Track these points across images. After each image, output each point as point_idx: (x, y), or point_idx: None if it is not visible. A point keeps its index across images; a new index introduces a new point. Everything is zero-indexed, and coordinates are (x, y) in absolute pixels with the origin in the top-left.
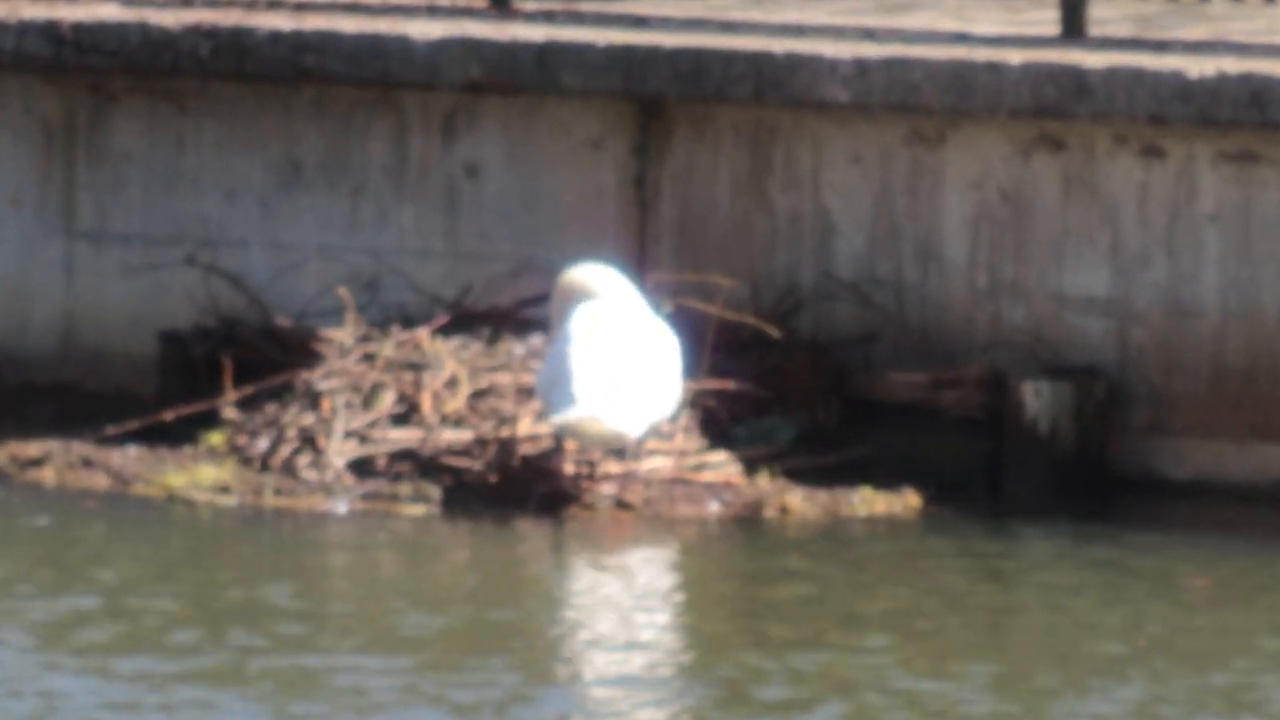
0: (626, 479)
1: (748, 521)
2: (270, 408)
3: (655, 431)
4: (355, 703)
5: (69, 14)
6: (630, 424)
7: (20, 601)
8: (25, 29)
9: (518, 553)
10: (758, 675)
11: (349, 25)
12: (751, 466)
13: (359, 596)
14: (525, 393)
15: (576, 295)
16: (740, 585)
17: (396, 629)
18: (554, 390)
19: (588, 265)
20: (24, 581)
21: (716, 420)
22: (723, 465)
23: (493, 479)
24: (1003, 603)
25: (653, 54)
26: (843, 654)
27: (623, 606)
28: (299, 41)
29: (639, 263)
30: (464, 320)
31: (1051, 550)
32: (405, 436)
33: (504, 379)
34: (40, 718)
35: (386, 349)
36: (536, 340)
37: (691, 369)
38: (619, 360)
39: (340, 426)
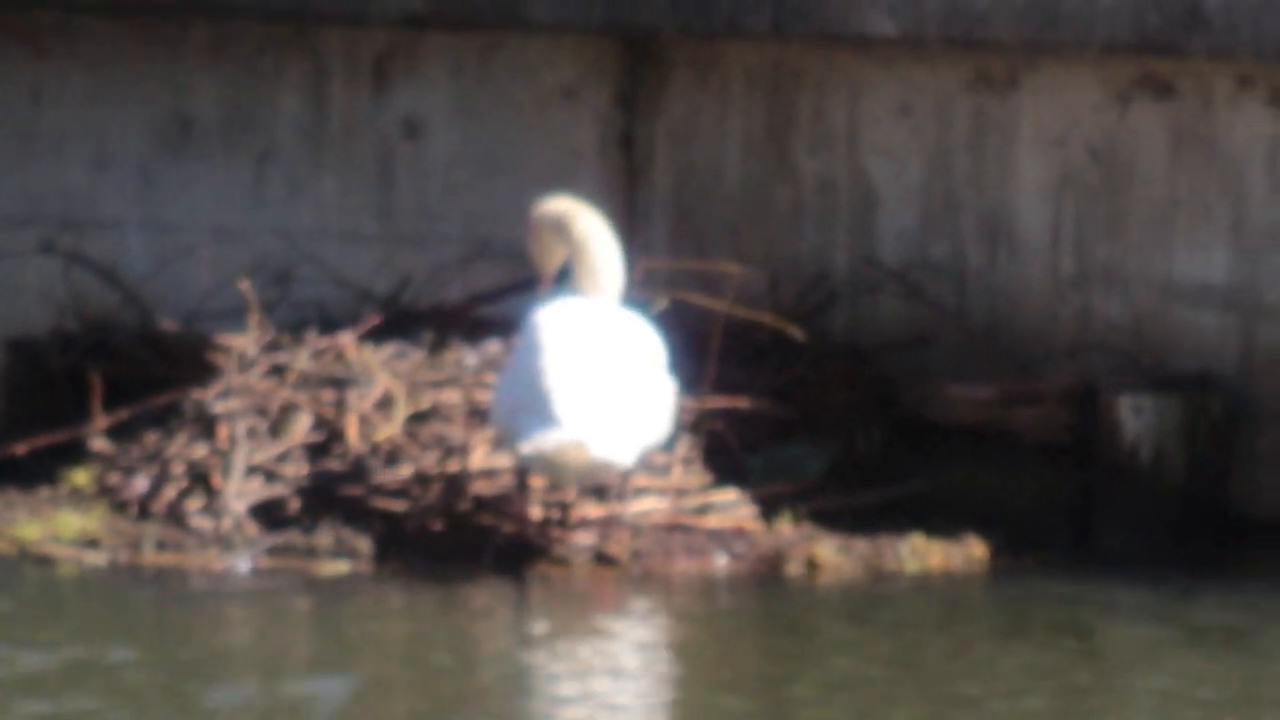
0: (609, 525)
1: (765, 579)
2: (151, 437)
3: (645, 463)
4: None
5: None
6: (623, 450)
7: None
8: None
9: (467, 620)
10: None
11: None
12: (770, 508)
13: (237, 681)
14: (479, 415)
15: (553, 233)
16: (749, 663)
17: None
18: (521, 411)
19: (563, 198)
20: None
21: (725, 449)
22: (733, 507)
23: (437, 526)
24: (1077, 680)
25: None
26: None
27: (594, 692)
28: None
29: (625, 245)
30: (401, 321)
31: (1152, 611)
32: (325, 473)
33: (452, 397)
34: None
35: (301, 360)
36: (494, 347)
37: (692, 383)
38: (602, 370)
39: (241, 460)
